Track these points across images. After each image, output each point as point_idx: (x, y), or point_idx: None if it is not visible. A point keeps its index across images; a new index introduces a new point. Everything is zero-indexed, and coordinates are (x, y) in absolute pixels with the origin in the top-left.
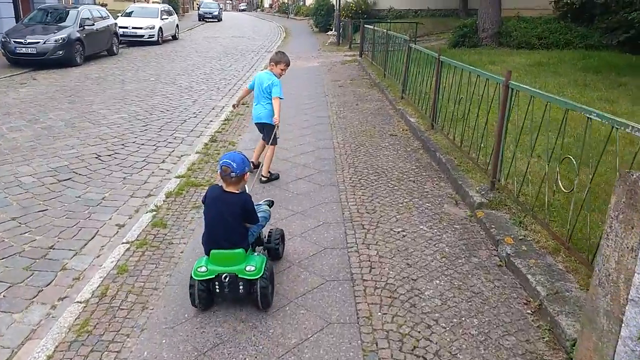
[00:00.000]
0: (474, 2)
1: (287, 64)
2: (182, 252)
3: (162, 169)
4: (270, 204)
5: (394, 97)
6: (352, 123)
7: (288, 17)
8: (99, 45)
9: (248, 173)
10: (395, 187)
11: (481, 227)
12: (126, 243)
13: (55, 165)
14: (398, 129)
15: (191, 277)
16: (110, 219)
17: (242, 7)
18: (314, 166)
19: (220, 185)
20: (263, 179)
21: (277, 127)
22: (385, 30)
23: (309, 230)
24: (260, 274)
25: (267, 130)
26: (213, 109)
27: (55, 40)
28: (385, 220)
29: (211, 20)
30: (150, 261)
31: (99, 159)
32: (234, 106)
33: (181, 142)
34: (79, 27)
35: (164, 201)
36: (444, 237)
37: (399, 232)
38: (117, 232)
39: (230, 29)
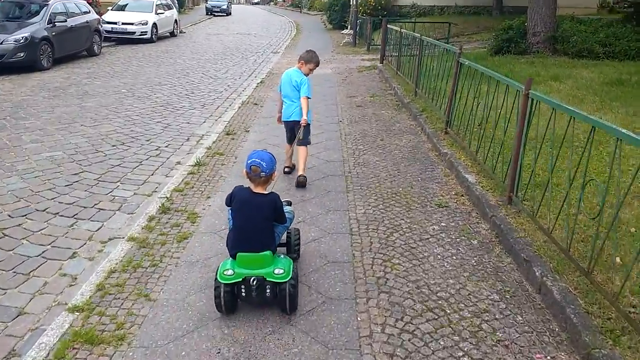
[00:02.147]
0: None
1: (317, 65)
2: None
3: (55, 286)
4: (289, 203)
5: (433, 130)
6: (378, 176)
7: (301, 12)
8: (74, 45)
9: (276, 172)
10: None
11: None
12: None
13: None
14: (449, 193)
15: (216, 280)
16: None
17: (256, 1)
18: (317, 285)
19: (246, 187)
20: (301, 178)
21: (303, 127)
22: (418, 35)
23: None
24: (289, 277)
25: (297, 127)
26: (188, 139)
27: (16, 40)
28: None
29: (219, 14)
30: None
31: None
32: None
33: (118, 209)
34: (48, 24)
35: None
36: None
37: None
38: None
39: (237, 24)
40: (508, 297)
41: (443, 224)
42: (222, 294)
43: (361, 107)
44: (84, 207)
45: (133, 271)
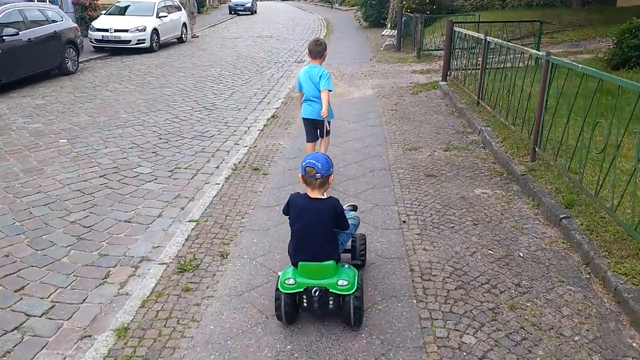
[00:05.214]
0: None
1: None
2: None
3: None
4: (354, 208)
5: (621, 278)
6: None
7: (332, 7)
8: (34, 64)
9: (333, 174)
10: None
11: None
12: None
13: None
14: None
15: (277, 289)
16: None
17: None
18: None
19: (303, 193)
20: None
21: (327, 124)
22: (538, 53)
23: None
24: (354, 289)
25: (320, 126)
26: (104, 280)
27: None
28: None
29: (243, 13)
30: None
31: None
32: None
33: None
34: None
35: None
36: None
37: None
38: None
39: (260, 25)
40: None
41: None
42: (282, 304)
43: (435, 179)
44: None
45: None
